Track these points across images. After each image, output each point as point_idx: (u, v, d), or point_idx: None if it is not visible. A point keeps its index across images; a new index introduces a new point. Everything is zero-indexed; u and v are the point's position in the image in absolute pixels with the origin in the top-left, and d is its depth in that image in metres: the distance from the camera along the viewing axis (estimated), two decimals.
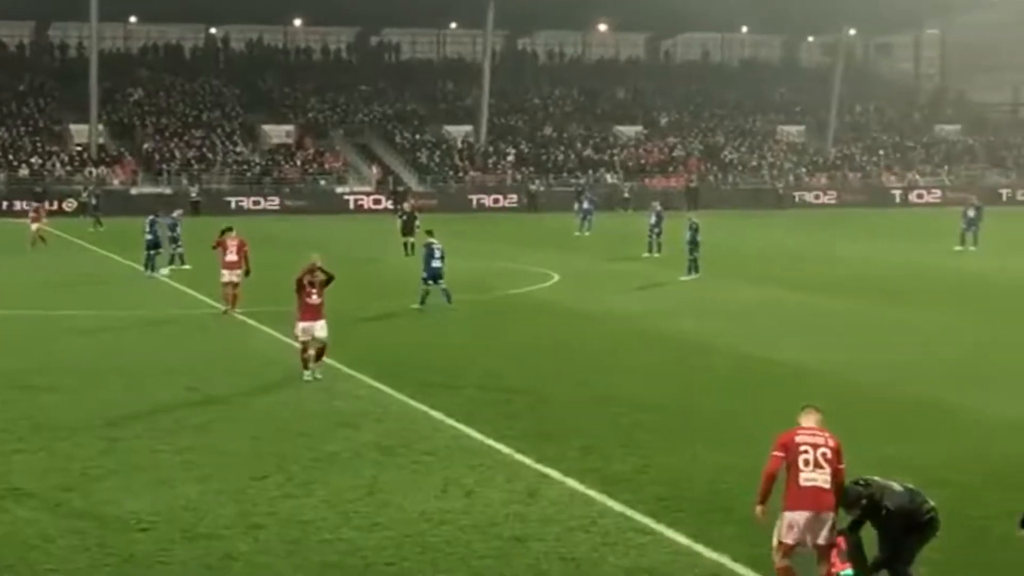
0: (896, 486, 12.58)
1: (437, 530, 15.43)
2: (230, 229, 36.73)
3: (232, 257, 35.18)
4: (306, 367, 24.62)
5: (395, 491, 17.11)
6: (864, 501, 12.43)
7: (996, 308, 35.83)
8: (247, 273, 34.70)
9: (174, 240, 46.54)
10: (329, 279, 25.33)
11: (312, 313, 24.85)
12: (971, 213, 55.28)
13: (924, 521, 12.44)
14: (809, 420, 12.81)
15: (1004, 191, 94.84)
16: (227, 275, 35.08)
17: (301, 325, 24.83)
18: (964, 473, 16.70)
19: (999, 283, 41.95)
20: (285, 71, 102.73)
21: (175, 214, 48.19)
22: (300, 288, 24.99)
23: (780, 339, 29.99)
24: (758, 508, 12.73)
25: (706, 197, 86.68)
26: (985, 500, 16.12)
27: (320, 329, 24.79)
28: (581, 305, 36.36)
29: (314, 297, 24.86)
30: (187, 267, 45.20)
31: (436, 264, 35.72)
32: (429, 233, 37.25)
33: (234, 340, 30.63)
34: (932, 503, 12.57)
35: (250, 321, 33.14)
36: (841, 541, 12.51)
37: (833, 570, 12.40)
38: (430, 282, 35.64)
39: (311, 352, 24.76)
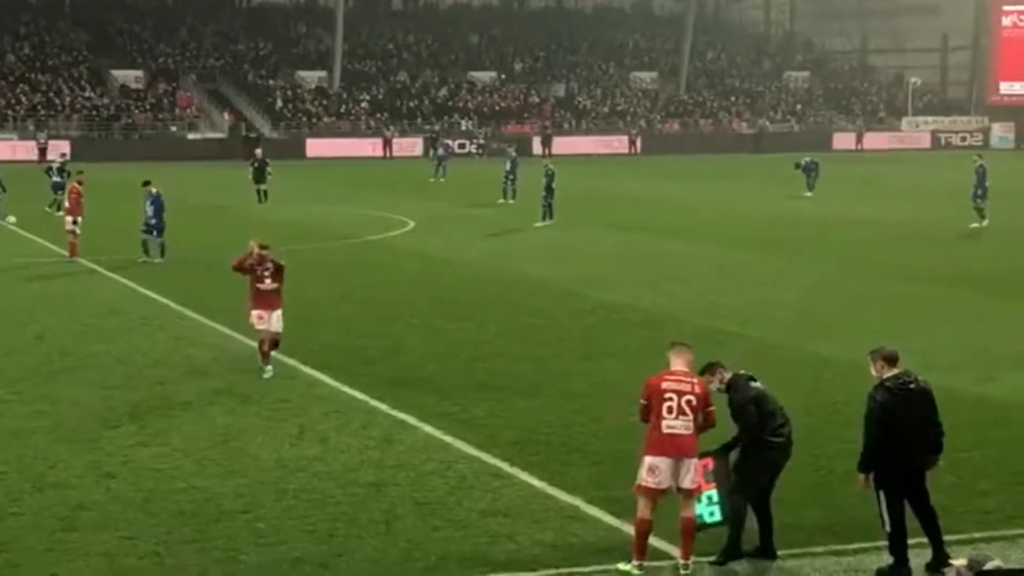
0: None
1: (292, 477, 15.43)
2: (79, 172, 36.50)
3: (66, 204, 35.03)
4: (266, 362, 20.93)
5: (250, 439, 17.07)
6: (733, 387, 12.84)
7: (834, 252, 36.62)
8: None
9: (59, 187, 44.81)
10: (279, 268, 21.55)
11: (266, 301, 21.16)
12: (804, 161, 56.41)
13: (777, 438, 12.69)
14: (679, 361, 12.81)
15: (849, 136, 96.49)
16: (67, 222, 35.01)
17: (255, 313, 21.19)
18: (808, 414, 17.11)
19: (838, 227, 42.83)
20: (135, 15, 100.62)
21: (58, 160, 47.31)
22: (247, 271, 21.50)
23: (634, 285, 30.35)
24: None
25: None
26: (827, 438, 16.55)
27: (276, 320, 21.14)
28: (436, 252, 36.42)
29: (267, 282, 21.21)
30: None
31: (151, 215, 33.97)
32: (146, 183, 34.93)
33: (82, 288, 30.17)
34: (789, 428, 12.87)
35: (98, 268, 32.66)
36: (709, 462, 12.74)
37: (697, 489, 12.62)
38: (152, 233, 34.00)
39: (266, 346, 21.12)
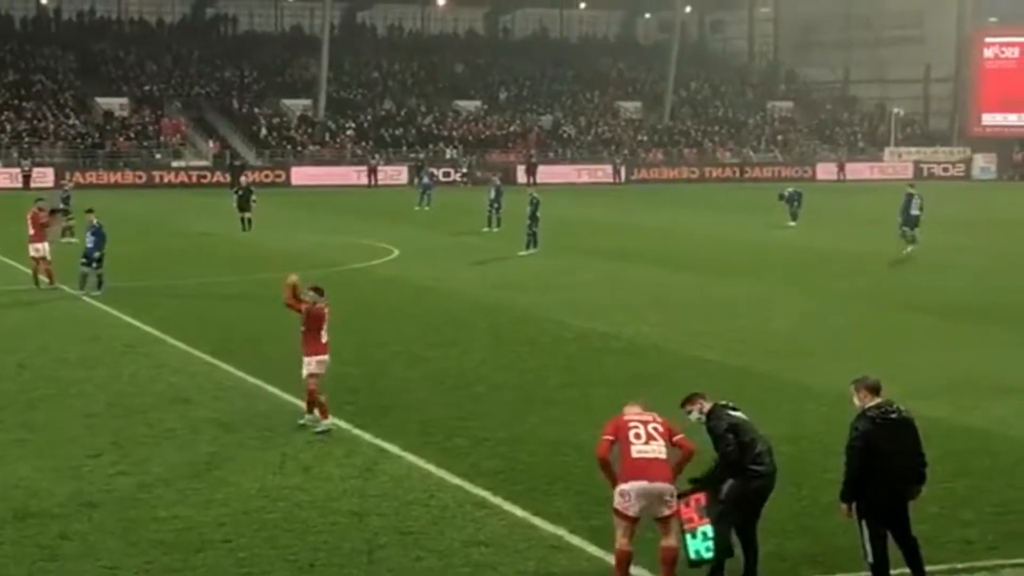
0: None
1: (274, 506, 15.39)
2: (37, 200, 36.41)
3: (30, 231, 34.84)
4: (311, 410, 19.33)
5: (232, 468, 17.03)
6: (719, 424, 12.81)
7: (817, 281, 36.70)
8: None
9: (65, 212, 45.01)
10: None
11: (325, 348, 19.62)
12: (787, 191, 56.81)
13: (759, 467, 12.69)
14: (633, 409, 13.02)
15: (832, 166, 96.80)
16: (30, 249, 34.77)
17: (317, 359, 19.41)
18: (791, 444, 17.12)
19: (820, 257, 42.93)
20: (119, 42, 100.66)
21: (67, 187, 47.19)
22: (312, 319, 19.54)
23: (618, 313, 30.37)
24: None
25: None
26: (810, 467, 16.56)
27: (325, 364, 19.76)
28: (420, 279, 36.42)
29: (324, 334, 19.60)
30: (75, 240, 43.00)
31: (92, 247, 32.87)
32: (89, 211, 34.38)
33: (63, 316, 30.11)
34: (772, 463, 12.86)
35: (81, 295, 32.57)
36: (701, 497, 12.74)
37: (690, 525, 12.61)
38: (92, 265, 32.87)
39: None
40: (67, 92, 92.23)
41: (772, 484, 12.86)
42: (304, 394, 19.50)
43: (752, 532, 12.85)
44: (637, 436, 12.58)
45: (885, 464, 12.27)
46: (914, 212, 44.65)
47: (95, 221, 33.31)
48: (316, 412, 19.13)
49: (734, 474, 12.74)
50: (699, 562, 12.67)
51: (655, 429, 12.66)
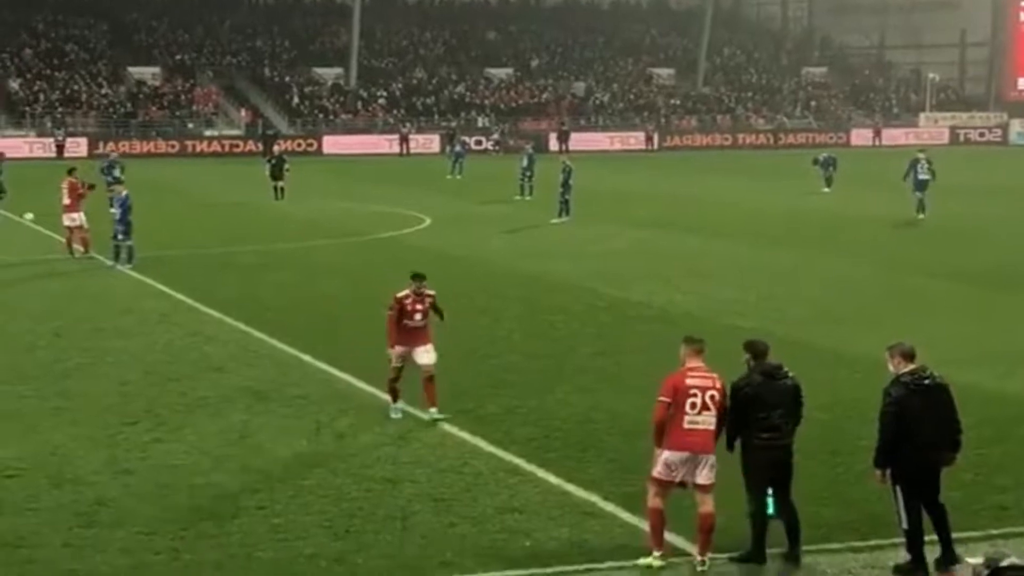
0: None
1: (309, 473, 15.46)
2: (71, 171, 36.37)
3: (66, 200, 34.85)
4: (395, 399, 18.25)
5: (266, 435, 17.10)
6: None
7: (851, 248, 36.53)
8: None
9: (118, 180, 44.12)
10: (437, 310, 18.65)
11: (412, 337, 18.17)
12: (821, 156, 56.70)
13: (764, 436, 12.64)
14: (698, 359, 12.80)
15: (867, 131, 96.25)
16: (64, 219, 34.82)
17: (398, 350, 18.13)
18: (825, 411, 17.06)
19: (855, 223, 42.72)
20: (151, 12, 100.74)
21: (112, 156, 46.72)
22: (400, 310, 18.13)
23: (649, 281, 30.32)
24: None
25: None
26: (844, 435, 16.52)
27: (424, 354, 18.13)
28: (452, 248, 36.40)
29: (417, 318, 18.20)
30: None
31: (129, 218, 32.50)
32: (118, 183, 34.29)
33: (98, 285, 30.23)
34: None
35: (115, 265, 32.66)
36: None
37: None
38: (117, 237, 32.60)
39: (416, 381, 18.17)
40: (100, 62, 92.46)
41: (783, 456, 12.69)
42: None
43: (785, 499, 12.80)
44: (693, 406, 12.48)
45: (918, 430, 12.24)
46: (921, 176, 45.03)
47: (123, 193, 33.30)
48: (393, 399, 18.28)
49: (743, 440, 12.69)
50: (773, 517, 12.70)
51: (711, 398, 12.54)
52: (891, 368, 12.58)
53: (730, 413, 12.65)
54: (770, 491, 12.61)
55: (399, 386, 18.19)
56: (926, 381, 12.41)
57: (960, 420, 12.62)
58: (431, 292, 18.37)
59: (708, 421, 12.53)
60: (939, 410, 12.41)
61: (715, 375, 12.71)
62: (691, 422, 12.48)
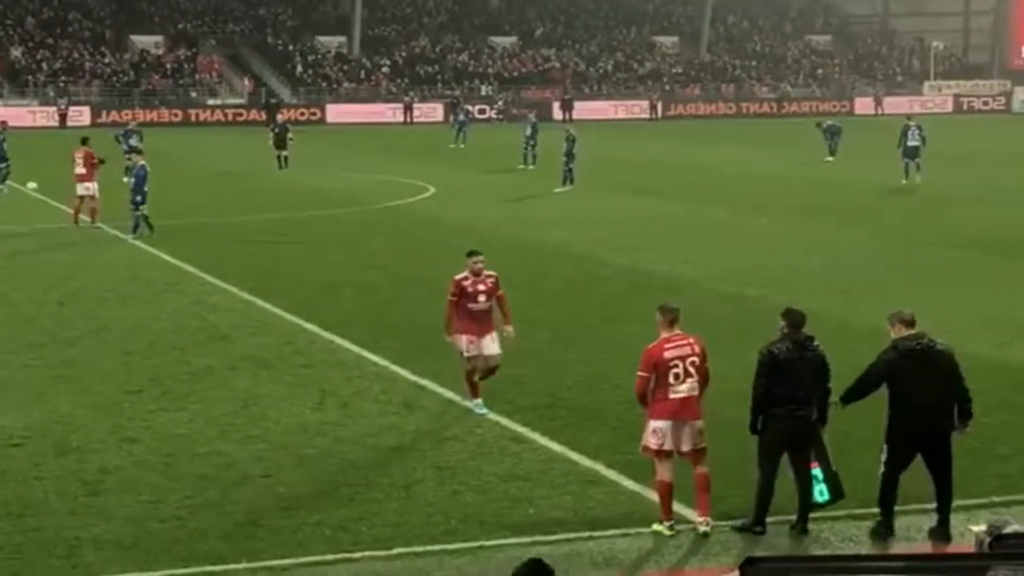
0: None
1: (313, 442, 15.51)
2: (84, 140, 36.36)
3: (80, 170, 34.79)
4: (475, 394, 16.89)
5: (271, 404, 17.15)
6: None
7: (856, 217, 36.50)
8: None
9: (136, 150, 43.74)
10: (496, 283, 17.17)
11: (478, 324, 16.87)
12: (826, 124, 56.58)
13: (779, 409, 12.69)
14: (671, 328, 12.93)
15: (869, 100, 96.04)
16: (79, 188, 34.77)
17: (464, 339, 16.77)
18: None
19: (859, 192, 42.68)
20: None
21: (130, 125, 46.52)
22: (460, 293, 16.86)
23: (653, 249, 30.33)
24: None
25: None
26: (862, 408, 16.49)
27: (490, 343, 16.90)
28: (456, 217, 36.41)
29: (481, 300, 16.86)
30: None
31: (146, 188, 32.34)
32: (137, 152, 34.19)
33: (103, 255, 30.25)
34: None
35: (119, 234, 32.71)
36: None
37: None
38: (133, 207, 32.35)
39: (477, 375, 16.98)
40: (103, 30, 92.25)
41: (802, 428, 12.71)
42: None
43: (800, 474, 12.83)
44: (676, 377, 12.63)
45: (914, 394, 12.33)
46: (912, 143, 45.55)
47: (141, 163, 33.16)
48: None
49: (758, 411, 12.73)
50: (814, 506, 12.79)
51: (692, 364, 12.69)
52: (892, 335, 12.66)
53: (756, 378, 12.70)
54: (821, 475, 12.68)
55: (477, 378, 16.78)
56: (919, 347, 12.45)
57: (968, 388, 12.67)
58: (492, 273, 17.02)
59: (692, 388, 12.70)
60: (937, 376, 12.45)
61: (692, 339, 12.87)
62: (675, 391, 12.65)
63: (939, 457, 12.54)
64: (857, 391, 12.79)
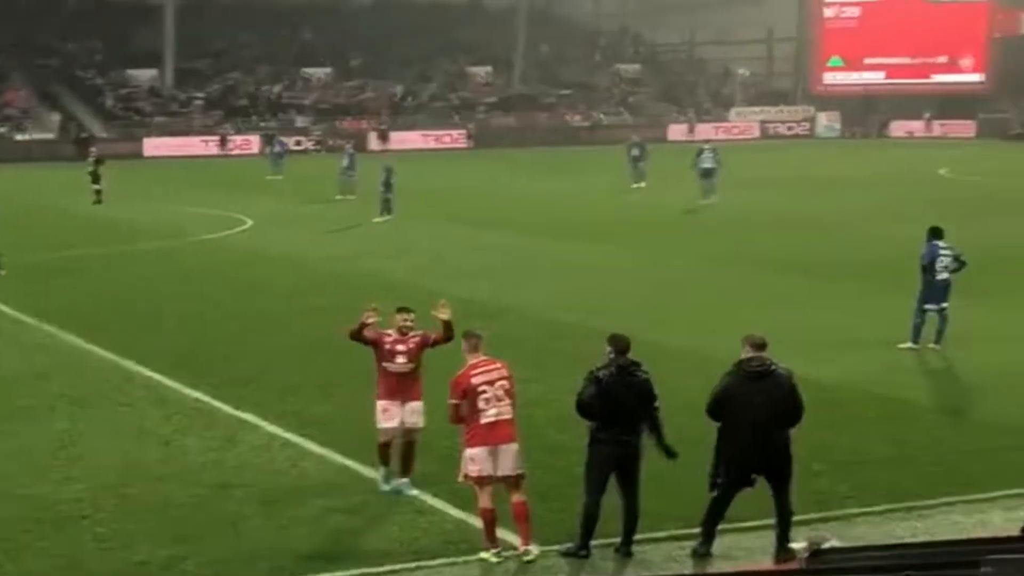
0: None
1: (134, 482, 15.30)
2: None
3: None
4: (386, 462, 15.02)
5: (90, 443, 16.88)
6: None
7: (667, 241, 37.22)
8: None
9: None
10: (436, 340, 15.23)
11: (397, 388, 15.10)
12: (635, 152, 57.07)
13: (602, 434, 12.90)
14: (475, 355, 13.10)
15: (683, 127, 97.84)
16: None
17: (381, 405, 15.11)
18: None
19: (675, 217, 43.52)
20: None
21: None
22: (375, 346, 15.23)
23: (472, 277, 30.52)
24: None
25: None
26: (668, 427, 16.81)
27: (412, 413, 15.05)
28: (275, 249, 36.19)
29: (399, 360, 15.13)
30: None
31: None
32: None
33: None
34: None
35: None
36: None
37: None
38: None
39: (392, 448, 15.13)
40: None
41: (629, 452, 12.93)
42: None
43: (628, 496, 13.01)
44: (487, 401, 12.78)
45: (748, 413, 12.65)
46: (705, 165, 48.39)
47: None
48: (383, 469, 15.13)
49: (590, 433, 12.95)
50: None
51: (503, 387, 12.85)
52: (742, 355, 12.97)
53: (582, 395, 12.83)
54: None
55: (392, 451, 14.99)
56: (759, 368, 12.79)
57: (801, 405, 13.05)
58: (420, 333, 15.15)
59: (505, 411, 12.85)
60: (770, 397, 12.76)
61: (500, 363, 13.09)
62: (488, 416, 12.78)
63: (776, 478, 12.82)
64: (713, 412, 12.98)
